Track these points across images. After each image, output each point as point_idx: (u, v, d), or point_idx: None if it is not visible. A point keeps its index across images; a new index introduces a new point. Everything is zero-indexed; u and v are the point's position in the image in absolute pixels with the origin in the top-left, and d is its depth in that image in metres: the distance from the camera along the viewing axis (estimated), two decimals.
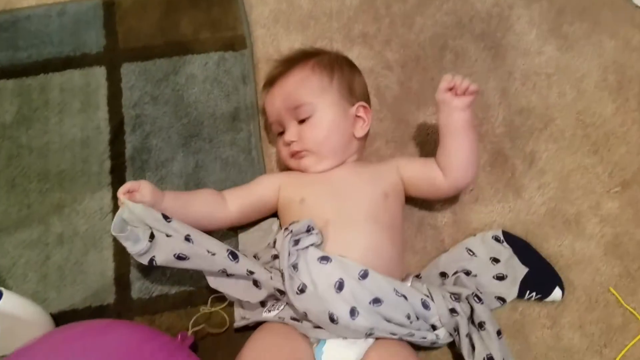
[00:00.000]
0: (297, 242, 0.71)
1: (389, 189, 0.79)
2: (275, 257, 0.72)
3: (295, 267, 0.69)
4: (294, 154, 0.81)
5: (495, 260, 0.82)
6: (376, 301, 0.69)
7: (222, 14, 0.98)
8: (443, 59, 0.97)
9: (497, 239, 0.84)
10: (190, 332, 0.75)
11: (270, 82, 0.84)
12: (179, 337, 0.71)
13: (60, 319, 0.77)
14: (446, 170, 0.79)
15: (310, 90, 0.80)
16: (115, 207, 0.84)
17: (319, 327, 0.70)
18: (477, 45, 0.98)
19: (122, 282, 0.81)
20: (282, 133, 0.83)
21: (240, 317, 0.77)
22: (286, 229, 0.71)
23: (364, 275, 0.69)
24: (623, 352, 0.80)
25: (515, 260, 0.82)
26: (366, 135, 0.85)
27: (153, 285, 0.81)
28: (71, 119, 0.90)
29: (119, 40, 0.96)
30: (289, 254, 0.69)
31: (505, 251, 0.83)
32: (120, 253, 0.82)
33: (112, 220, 0.70)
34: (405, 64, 0.96)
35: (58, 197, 0.86)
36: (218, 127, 0.90)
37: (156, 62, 0.94)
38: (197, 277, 0.80)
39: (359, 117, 0.82)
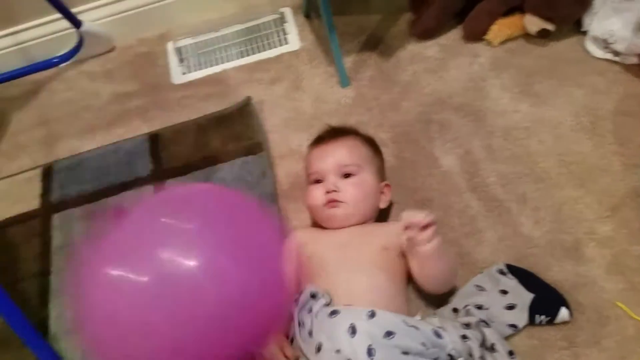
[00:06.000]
0: (311, 309, 0.81)
1: (390, 245, 0.88)
2: None
3: (310, 333, 0.78)
4: (331, 201, 0.93)
5: (504, 292, 0.89)
6: (389, 334, 0.75)
7: (243, 128, 1.19)
8: (429, 130, 1.12)
9: (501, 272, 0.91)
10: None
11: (320, 140, 1.02)
12: None
13: None
14: (425, 285, 0.88)
15: (359, 155, 0.97)
16: None
17: None
18: (458, 114, 1.13)
19: None
20: (318, 181, 0.96)
21: None
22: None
23: (372, 315, 0.77)
24: None
25: (521, 289, 0.89)
26: (384, 209, 0.99)
27: None
28: None
29: (162, 162, 1.17)
30: (300, 324, 0.80)
31: (510, 282, 0.90)
32: None
33: None
34: (397, 140, 1.12)
35: None
36: None
37: (194, 174, 1.14)
38: None
39: (382, 193, 0.98)
